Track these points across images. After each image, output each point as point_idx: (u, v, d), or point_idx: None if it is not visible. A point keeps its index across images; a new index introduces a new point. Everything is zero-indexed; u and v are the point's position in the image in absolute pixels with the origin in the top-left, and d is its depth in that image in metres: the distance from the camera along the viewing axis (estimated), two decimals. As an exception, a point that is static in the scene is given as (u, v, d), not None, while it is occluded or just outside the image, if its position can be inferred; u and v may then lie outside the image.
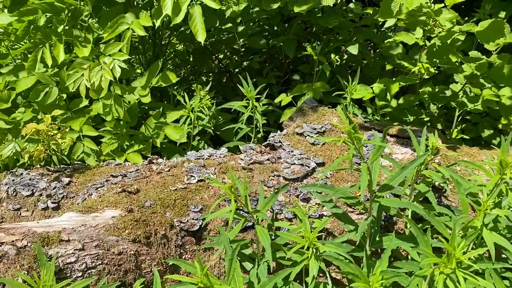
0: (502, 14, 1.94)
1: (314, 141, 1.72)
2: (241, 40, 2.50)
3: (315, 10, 2.18)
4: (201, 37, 1.74)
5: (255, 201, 1.48)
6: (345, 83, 1.95)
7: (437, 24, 1.54)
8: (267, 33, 2.66)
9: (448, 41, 1.54)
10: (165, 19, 1.96)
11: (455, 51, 1.60)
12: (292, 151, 1.72)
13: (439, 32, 1.60)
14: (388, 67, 2.22)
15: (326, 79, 2.14)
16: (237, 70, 2.93)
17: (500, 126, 2.16)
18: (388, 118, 2.17)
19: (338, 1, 2.03)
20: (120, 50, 1.85)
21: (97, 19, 2.01)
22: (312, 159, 1.66)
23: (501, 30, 1.43)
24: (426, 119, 2.12)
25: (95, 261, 1.26)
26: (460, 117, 2.22)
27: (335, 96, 2.00)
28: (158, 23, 1.85)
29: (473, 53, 1.69)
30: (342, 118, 1.10)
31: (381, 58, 2.46)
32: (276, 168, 1.64)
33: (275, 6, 1.94)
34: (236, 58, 2.85)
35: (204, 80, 2.93)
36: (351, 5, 2.16)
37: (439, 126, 2.20)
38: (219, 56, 3.20)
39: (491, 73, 1.80)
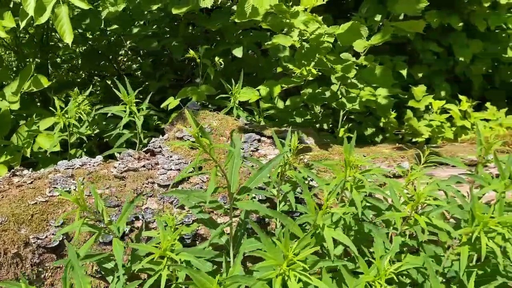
0: (378, 17, 2.03)
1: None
2: (128, 42, 2.42)
3: (201, 12, 2.17)
4: (68, 38, 1.64)
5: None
6: (229, 86, 1.95)
7: (306, 27, 1.59)
8: (161, 35, 2.60)
9: (315, 43, 1.59)
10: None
11: (325, 52, 1.66)
12: (171, 156, 1.68)
13: (310, 35, 1.65)
14: (279, 69, 2.26)
15: (214, 82, 2.13)
16: (137, 72, 2.84)
17: (381, 124, 2.29)
18: (277, 120, 2.20)
19: (219, 2, 2.03)
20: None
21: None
22: (190, 163, 1.63)
23: (359, 32, 1.51)
24: (312, 120, 2.19)
25: None
26: (345, 117, 2.32)
27: (219, 99, 1.99)
28: (23, 24, 1.72)
29: (344, 55, 1.77)
30: (190, 122, 1.08)
31: (276, 61, 2.51)
32: (152, 175, 1.59)
33: (155, 7, 1.89)
34: (127, 61, 2.76)
35: (98, 84, 2.80)
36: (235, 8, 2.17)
37: (325, 126, 2.28)
38: (119, 58, 3.09)
39: (364, 74, 1.88)
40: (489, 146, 1.39)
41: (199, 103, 1.94)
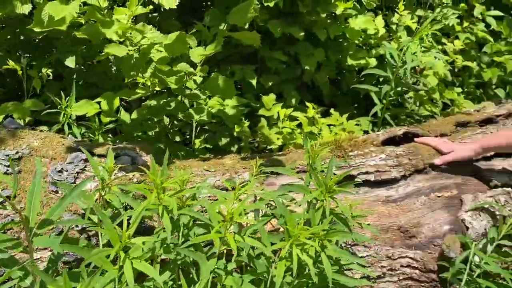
0: (223, 26, 1.99)
1: (7, 170, 1.46)
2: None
3: (26, 18, 1.92)
4: None
5: None
6: (57, 100, 1.75)
7: (132, 36, 1.48)
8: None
9: (144, 53, 1.49)
10: None
11: (160, 62, 1.57)
12: None
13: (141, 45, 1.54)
14: (126, 80, 2.11)
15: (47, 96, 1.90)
16: None
17: (235, 133, 2.26)
18: (123, 134, 2.05)
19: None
20: None
21: None
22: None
23: (185, 42, 1.45)
24: (162, 132, 2.08)
25: None
26: (199, 127, 2.25)
27: (46, 114, 1.78)
28: None
29: (181, 65, 1.70)
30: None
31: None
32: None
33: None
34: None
35: None
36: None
37: (178, 139, 2.19)
38: None
39: (208, 84, 1.83)
40: (315, 154, 1.41)
41: (22, 120, 1.71)
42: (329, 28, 2.31)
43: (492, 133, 1.90)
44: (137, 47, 1.59)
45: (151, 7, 1.47)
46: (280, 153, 1.92)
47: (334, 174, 1.64)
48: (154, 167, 1.06)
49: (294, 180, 1.64)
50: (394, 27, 2.47)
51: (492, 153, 1.91)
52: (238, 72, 2.26)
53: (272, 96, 2.27)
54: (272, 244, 1.09)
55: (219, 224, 0.98)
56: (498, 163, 1.99)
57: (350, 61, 2.41)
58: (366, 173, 1.73)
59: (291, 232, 1.00)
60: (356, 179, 1.72)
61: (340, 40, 2.55)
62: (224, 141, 2.23)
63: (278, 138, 2.20)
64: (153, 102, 1.90)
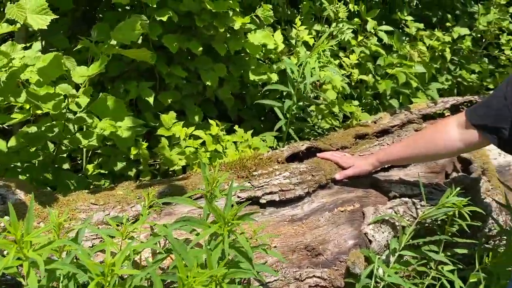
0: (111, 42, 1.82)
1: None
2: None
3: None
4: None
5: None
6: None
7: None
8: None
9: (12, 77, 1.29)
10: None
11: (31, 85, 1.37)
12: None
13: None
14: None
15: None
16: None
17: (132, 156, 2.10)
18: (-2, 164, 1.78)
19: None
20: None
21: None
22: None
23: (61, 65, 1.29)
24: (47, 160, 1.85)
25: None
26: (91, 152, 2.05)
27: None
28: None
29: (62, 87, 1.51)
30: None
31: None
32: None
33: None
34: None
35: None
36: None
37: (66, 166, 1.97)
38: None
39: (95, 106, 1.66)
40: (214, 180, 1.33)
41: None
42: (229, 42, 2.25)
43: (387, 146, 1.96)
44: (6, 69, 1.38)
45: (19, 25, 1.27)
46: (181, 176, 1.80)
47: (239, 201, 1.58)
48: (14, 218, 0.88)
49: (194, 208, 1.53)
50: (294, 41, 2.49)
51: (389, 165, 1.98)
52: (134, 90, 2.10)
53: (172, 114, 2.15)
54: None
55: (95, 280, 0.84)
56: (395, 174, 2.08)
57: (252, 77, 2.37)
58: (271, 193, 1.68)
59: (184, 280, 0.89)
60: (261, 200, 1.66)
61: (242, 54, 2.51)
62: (120, 165, 2.05)
63: (180, 159, 2.08)
64: (33, 129, 1.67)
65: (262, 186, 1.69)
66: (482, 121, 1.49)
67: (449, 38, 2.83)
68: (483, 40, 3.05)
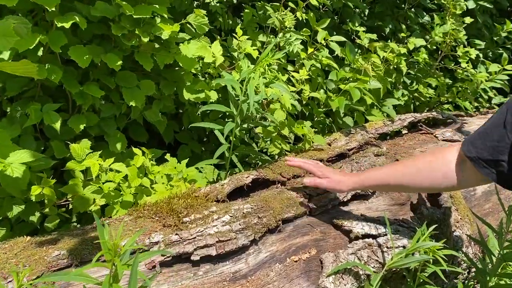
0: None
1: None
2: None
3: None
4: None
5: None
6: None
7: None
8: None
9: None
10: None
11: None
12: None
13: None
14: None
15: None
16: None
17: (33, 198, 1.67)
18: None
19: None
20: None
21: None
22: None
23: None
24: None
25: None
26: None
27: None
28: None
29: None
30: None
31: None
32: None
33: None
34: None
35: None
36: None
37: None
38: None
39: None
40: (115, 247, 0.96)
41: None
42: (157, 55, 1.89)
43: (371, 169, 1.64)
44: None
45: None
46: (90, 227, 1.40)
47: (163, 261, 1.22)
48: None
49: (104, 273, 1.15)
50: (236, 54, 2.17)
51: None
52: (35, 114, 1.68)
53: (86, 143, 1.75)
54: None
55: None
56: (356, 207, 1.80)
57: (186, 95, 2.02)
58: (206, 246, 1.33)
59: None
60: (193, 257, 1.30)
61: (176, 69, 2.15)
62: (16, 210, 1.62)
63: (96, 198, 1.68)
64: None
65: (195, 238, 1.33)
66: (478, 154, 1.23)
67: (405, 50, 2.62)
68: (439, 52, 2.88)
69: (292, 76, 2.14)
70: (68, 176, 1.88)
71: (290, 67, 2.40)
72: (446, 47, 2.74)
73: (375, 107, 2.71)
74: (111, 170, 1.78)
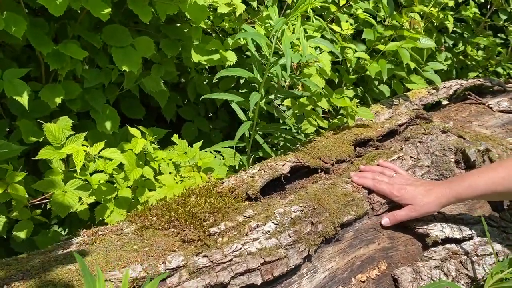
0: None
1: None
2: None
3: None
4: None
5: None
6: None
7: None
8: None
9: None
10: None
11: None
12: None
13: None
14: None
15: None
16: None
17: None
18: None
19: None
20: None
21: None
22: None
23: None
24: None
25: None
26: None
27: None
28: None
29: None
30: None
31: None
32: None
33: None
34: None
35: None
36: None
37: None
38: None
39: None
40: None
41: None
42: (157, 3, 1.43)
43: (467, 174, 1.22)
44: None
45: None
46: (61, 253, 0.97)
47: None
48: None
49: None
50: (254, 4, 1.71)
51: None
52: (-6, 84, 1.22)
53: (65, 123, 1.30)
54: None
55: None
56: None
57: (196, 57, 1.57)
58: (247, 272, 0.92)
59: None
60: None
61: (179, 24, 1.69)
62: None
63: (82, 197, 1.26)
64: None
65: (231, 260, 0.91)
66: None
67: (452, 3, 2.18)
68: (488, 7, 2.44)
69: (331, 32, 1.69)
70: (44, 166, 1.44)
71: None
72: (497, 0, 2.31)
73: (414, 72, 2.29)
74: (100, 157, 1.34)
